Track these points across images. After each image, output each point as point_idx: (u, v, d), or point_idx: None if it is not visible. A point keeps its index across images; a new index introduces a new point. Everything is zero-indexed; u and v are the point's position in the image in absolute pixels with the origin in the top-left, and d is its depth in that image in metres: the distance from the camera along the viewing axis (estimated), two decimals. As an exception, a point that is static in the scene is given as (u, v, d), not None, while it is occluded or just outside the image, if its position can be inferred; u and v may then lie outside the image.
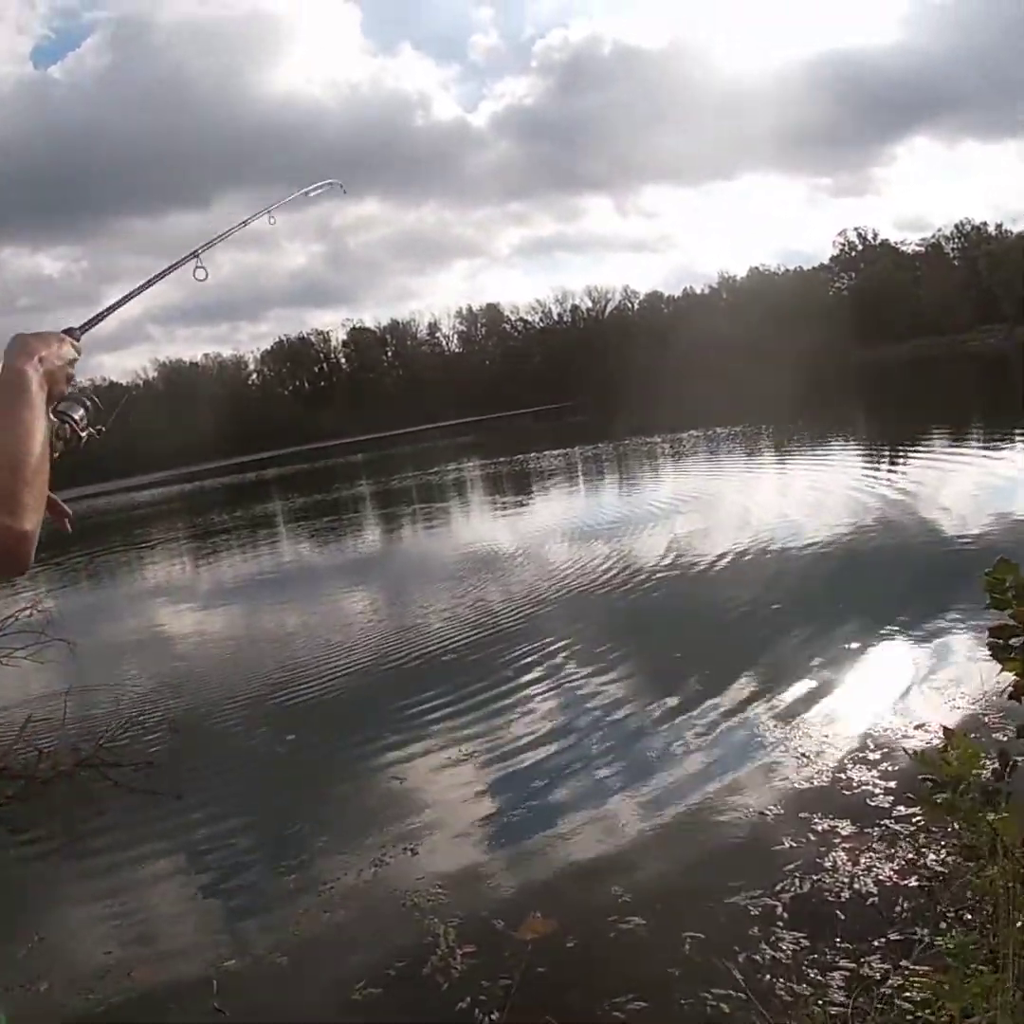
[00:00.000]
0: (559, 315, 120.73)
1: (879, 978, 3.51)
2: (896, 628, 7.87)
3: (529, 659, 8.93)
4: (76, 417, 1.69)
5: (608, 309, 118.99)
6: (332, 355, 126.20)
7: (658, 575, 11.53)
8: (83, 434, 1.72)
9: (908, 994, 3.29)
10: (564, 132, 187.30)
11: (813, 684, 6.98)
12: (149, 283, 2.08)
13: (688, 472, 23.48)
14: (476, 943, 4.39)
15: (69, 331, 1.71)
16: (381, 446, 73.12)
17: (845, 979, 3.57)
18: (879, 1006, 3.22)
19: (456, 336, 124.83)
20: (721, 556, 11.88)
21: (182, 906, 5.34)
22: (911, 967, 3.50)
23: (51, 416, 1.59)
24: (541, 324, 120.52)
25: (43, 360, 1.54)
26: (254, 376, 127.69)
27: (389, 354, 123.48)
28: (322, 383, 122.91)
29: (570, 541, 15.26)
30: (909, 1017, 3.14)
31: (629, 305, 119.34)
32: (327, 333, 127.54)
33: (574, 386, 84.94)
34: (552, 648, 9.14)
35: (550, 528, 17.21)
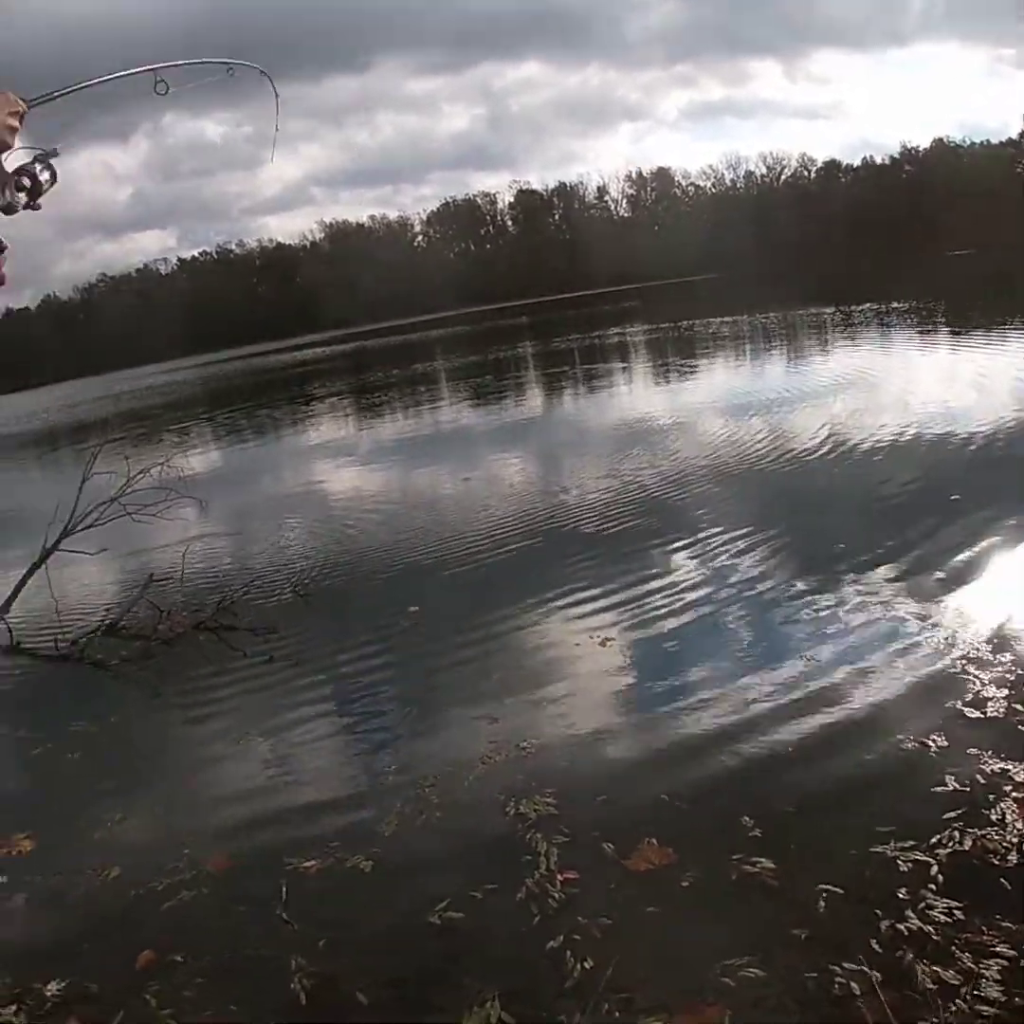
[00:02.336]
0: (732, 181, 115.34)
1: (1049, 976, 2.86)
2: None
3: (674, 537, 8.31)
4: (41, 177, 1.86)
5: (782, 176, 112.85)
6: (498, 218, 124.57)
7: (817, 455, 10.61)
8: (45, 189, 1.88)
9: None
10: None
11: (996, 595, 6.08)
12: (102, 81, 2.05)
13: (858, 347, 21.88)
14: (579, 869, 3.88)
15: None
16: (545, 309, 71.99)
17: (1002, 971, 2.93)
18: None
19: (625, 200, 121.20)
20: (885, 440, 10.82)
21: (272, 791, 5.03)
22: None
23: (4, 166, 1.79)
24: (713, 190, 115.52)
25: None
26: (420, 238, 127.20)
27: (556, 217, 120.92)
28: (488, 246, 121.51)
29: (728, 414, 14.33)
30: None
31: (805, 173, 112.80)
32: (494, 195, 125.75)
33: (746, 253, 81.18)
34: (700, 526, 8.48)
35: (708, 399, 16.35)
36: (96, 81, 2.02)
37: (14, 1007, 3.46)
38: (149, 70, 2.12)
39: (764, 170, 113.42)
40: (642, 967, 3.23)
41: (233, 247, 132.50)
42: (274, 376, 47.71)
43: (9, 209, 1.81)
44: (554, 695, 5.62)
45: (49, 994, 3.57)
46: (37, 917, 4.21)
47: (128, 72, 2.08)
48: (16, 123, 1.71)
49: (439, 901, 3.78)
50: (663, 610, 6.69)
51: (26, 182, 1.81)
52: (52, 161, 1.88)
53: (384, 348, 57.79)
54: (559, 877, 3.84)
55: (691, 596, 6.87)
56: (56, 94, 1.88)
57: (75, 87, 1.94)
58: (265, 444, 21.75)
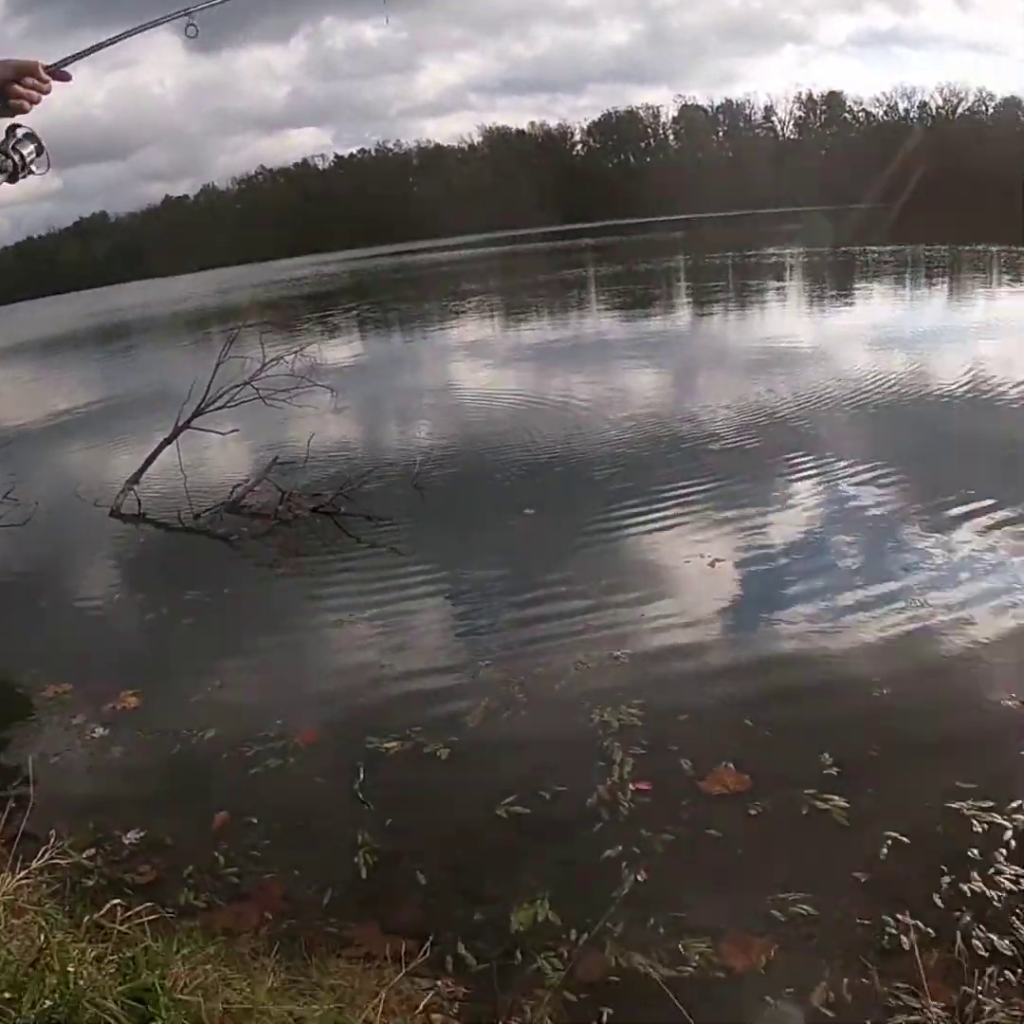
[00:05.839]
0: (905, 110, 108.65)
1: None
2: None
3: (797, 464, 8.11)
4: (24, 152, 1.94)
5: (959, 110, 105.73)
6: (661, 132, 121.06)
7: (958, 399, 10.04)
8: (32, 168, 1.97)
9: None
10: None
11: None
12: (132, 32, 2.15)
13: (1019, 292, 20.57)
14: (653, 782, 3.90)
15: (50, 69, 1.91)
16: (702, 225, 69.90)
17: (1065, 951, 2.85)
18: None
19: (792, 122, 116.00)
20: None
21: (366, 673, 5.20)
22: None
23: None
24: (885, 118, 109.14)
25: None
26: (579, 147, 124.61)
27: (720, 135, 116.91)
28: (648, 159, 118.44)
29: (873, 347, 13.62)
30: None
31: (983, 108, 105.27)
32: (657, 108, 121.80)
33: (916, 186, 76.82)
34: (824, 457, 8.22)
35: (857, 330, 15.58)
36: (126, 34, 2.15)
37: (92, 850, 3.67)
38: (183, 13, 2.22)
39: (941, 101, 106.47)
40: (697, 889, 3.25)
41: (391, 146, 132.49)
42: (423, 273, 47.68)
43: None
44: (655, 610, 5.61)
45: (126, 842, 3.79)
46: (130, 770, 4.46)
47: (163, 18, 2.20)
48: (19, 88, 1.81)
49: (508, 796, 3.86)
50: (776, 537, 6.58)
51: (10, 165, 1.92)
52: (39, 137, 1.94)
53: (533, 253, 57.00)
54: (631, 787, 3.87)
55: (807, 527, 6.73)
56: (73, 57, 1.98)
57: (94, 47, 2.08)
58: (404, 339, 21.88)
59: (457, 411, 12.02)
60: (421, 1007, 2.67)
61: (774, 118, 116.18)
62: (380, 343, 21.57)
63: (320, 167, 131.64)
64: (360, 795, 3.97)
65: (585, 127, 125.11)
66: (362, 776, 4.08)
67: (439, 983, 2.87)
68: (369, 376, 15.64)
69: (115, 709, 4.98)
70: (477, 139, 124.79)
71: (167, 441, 9.17)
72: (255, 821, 3.86)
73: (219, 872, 3.58)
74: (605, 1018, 2.76)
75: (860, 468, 7.80)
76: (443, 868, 3.49)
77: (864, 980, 2.80)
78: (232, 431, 9.44)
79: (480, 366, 15.62)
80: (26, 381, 24.06)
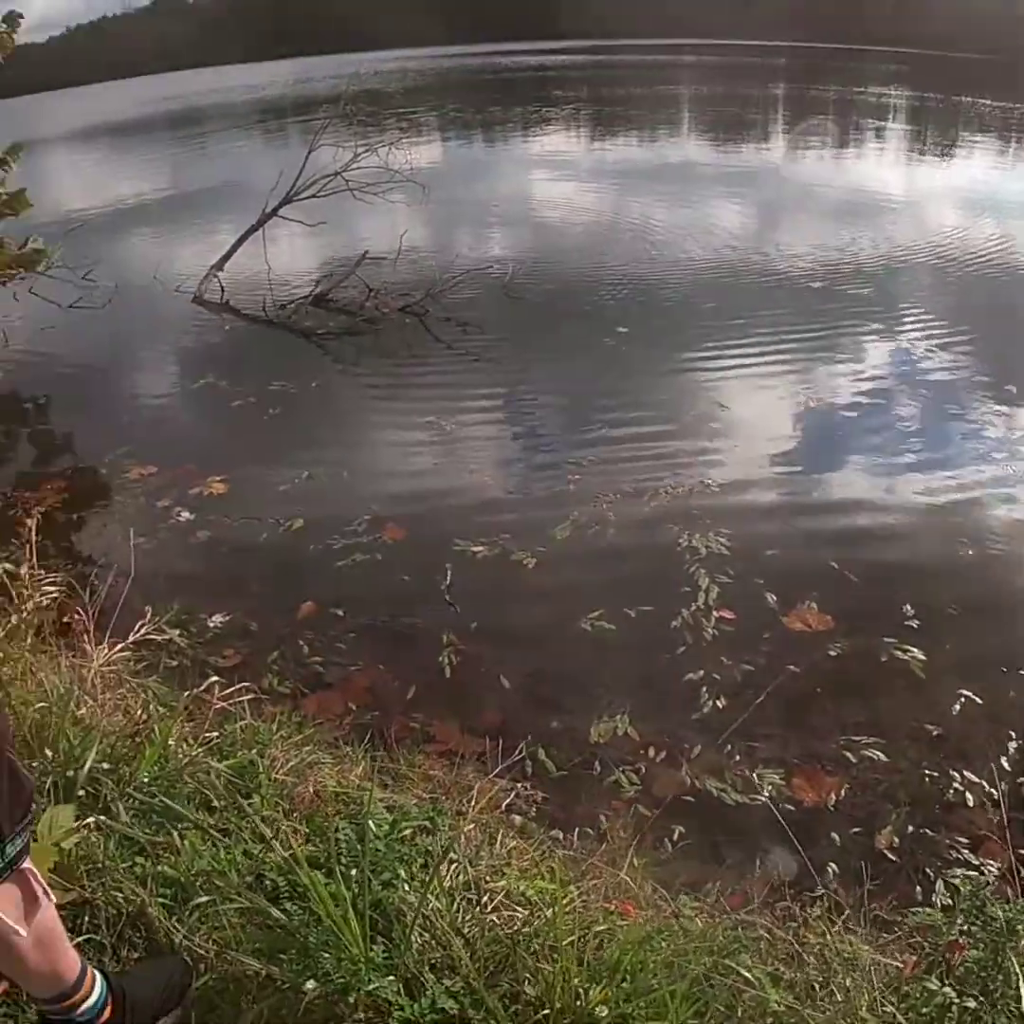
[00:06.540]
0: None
1: None
2: None
3: (876, 316, 7.82)
4: None
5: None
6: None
7: None
8: None
9: None
10: None
11: None
12: None
13: None
14: (737, 612, 3.95)
15: None
16: (814, 55, 65.59)
17: None
18: None
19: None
20: None
21: (454, 477, 5.28)
22: None
23: None
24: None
25: None
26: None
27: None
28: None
29: (965, 209, 12.75)
30: None
31: None
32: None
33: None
34: (902, 313, 7.94)
35: (951, 190, 14.60)
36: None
37: (178, 631, 3.73)
38: None
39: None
40: (772, 721, 3.30)
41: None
42: (514, 77, 45.45)
43: None
44: (748, 443, 5.59)
45: (211, 625, 3.90)
46: (216, 555, 4.56)
47: None
48: None
49: (593, 611, 3.93)
50: (872, 389, 6.40)
51: None
52: None
53: (635, 64, 53.93)
54: (715, 614, 3.92)
55: (900, 384, 6.51)
56: None
57: None
58: (493, 144, 21.15)
59: (547, 225, 11.73)
60: (503, 807, 2.76)
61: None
62: (466, 148, 20.82)
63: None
64: (446, 596, 4.05)
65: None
66: (449, 578, 4.16)
67: (519, 785, 2.97)
68: (462, 177, 15.14)
69: (201, 494, 5.07)
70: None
71: (254, 228, 9.01)
72: (341, 613, 3.97)
73: (304, 660, 3.69)
74: (676, 836, 2.86)
75: (930, 329, 7.54)
76: (526, 675, 3.58)
77: (927, 831, 2.87)
78: (319, 224, 9.26)
79: (568, 181, 15.00)
80: (96, 165, 23.42)
